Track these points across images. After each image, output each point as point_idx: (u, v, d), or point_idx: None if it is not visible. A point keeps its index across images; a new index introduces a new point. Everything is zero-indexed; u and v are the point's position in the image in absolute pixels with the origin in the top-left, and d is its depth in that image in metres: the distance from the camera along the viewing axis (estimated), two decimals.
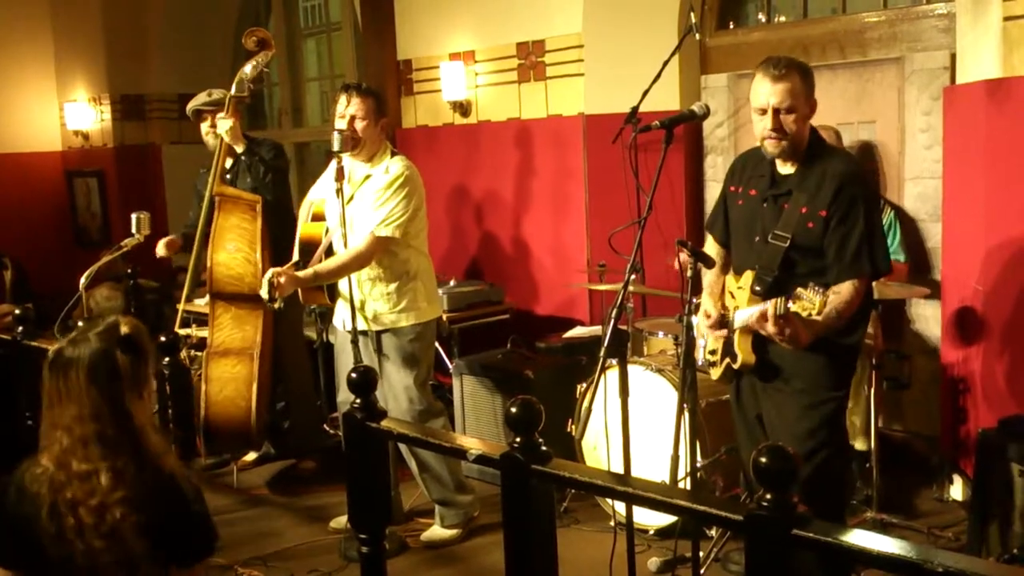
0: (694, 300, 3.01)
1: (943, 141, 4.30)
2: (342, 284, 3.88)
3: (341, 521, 4.10)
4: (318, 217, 4.02)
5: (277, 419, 5.02)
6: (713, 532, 3.69)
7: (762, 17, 5.19)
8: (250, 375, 4.16)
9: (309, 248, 3.95)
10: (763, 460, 1.61)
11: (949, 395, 4.19)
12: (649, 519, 3.84)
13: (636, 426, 3.06)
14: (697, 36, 4.73)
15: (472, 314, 5.24)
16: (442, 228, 5.92)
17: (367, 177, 3.85)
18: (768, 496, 1.61)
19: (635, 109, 4.62)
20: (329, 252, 3.90)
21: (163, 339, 3.08)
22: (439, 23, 5.87)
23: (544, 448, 1.97)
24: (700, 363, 3.36)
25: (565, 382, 4.34)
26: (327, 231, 3.93)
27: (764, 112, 2.93)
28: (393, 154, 3.90)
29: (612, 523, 3.85)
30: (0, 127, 8.37)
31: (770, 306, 2.79)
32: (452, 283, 5.33)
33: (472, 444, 2.18)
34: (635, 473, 2.96)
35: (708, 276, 3.26)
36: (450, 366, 4.89)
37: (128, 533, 2.07)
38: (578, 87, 5.27)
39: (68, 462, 2.10)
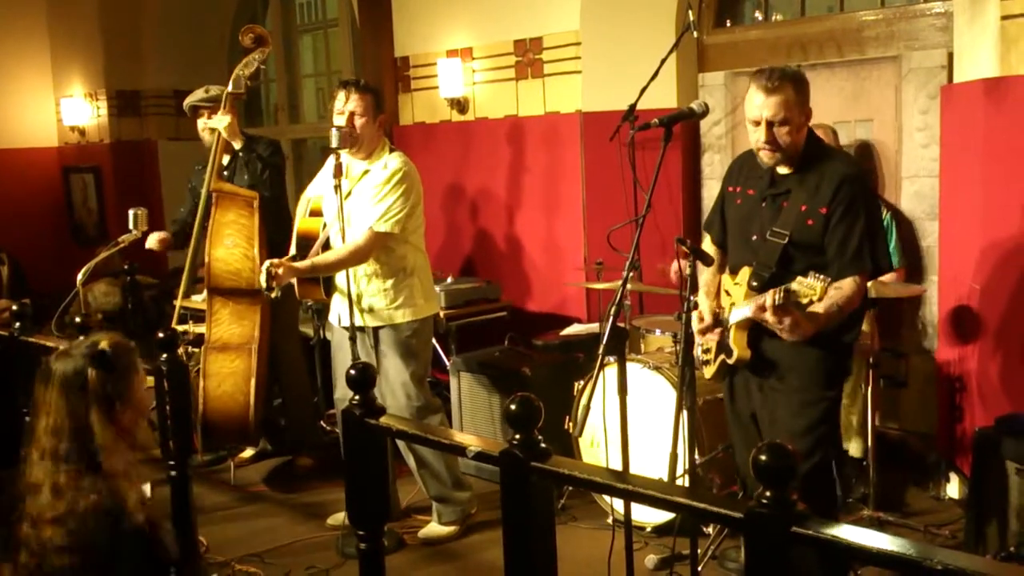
0: (693, 298, 3.02)
1: (940, 140, 4.30)
2: (339, 279, 3.88)
3: (338, 517, 4.11)
4: (316, 213, 4.02)
5: (274, 416, 5.02)
6: (710, 530, 3.70)
7: (759, 15, 5.19)
8: (248, 370, 4.16)
9: (306, 243, 3.95)
10: (763, 458, 1.61)
11: (945, 393, 4.20)
12: (646, 516, 3.85)
13: (633, 423, 3.06)
14: (695, 34, 4.73)
15: (469, 311, 5.24)
16: (439, 225, 5.92)
17: (365, 173, 3.85)
18: (768, 494, 1.61)
19: (632, 107, 4.62)
20: (326, 247, 3.90)
21: (161, 335, 3.07)
22: (437, 20, 5.86)
23: (543, 445, 1.97)
24: (698, 359, 3.37)
25: (562, 379, 4.35)
26: (324, 226, 3.94)
27: (758, 124, 2.94)
28: (391, 150, 3.90)
29: (610, 520, 3.86)
30: None
31: (769, 296, 2.79)
32: (449, 280, 5.33)
33: (471, 441, 2.18)
34: (632, 470, 2.96)
35: (704, 275, 3.27)
36: (447, 363, 4.90)
37: (53, 555, 2.05)
38: (575, 84, 5.27)
39: (30, 472, 2.10)
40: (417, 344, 3.94)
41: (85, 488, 2.06)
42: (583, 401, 2.80)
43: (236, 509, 4.52)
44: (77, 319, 3.39)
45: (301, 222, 4.03)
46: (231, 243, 4.17)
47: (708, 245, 3.38)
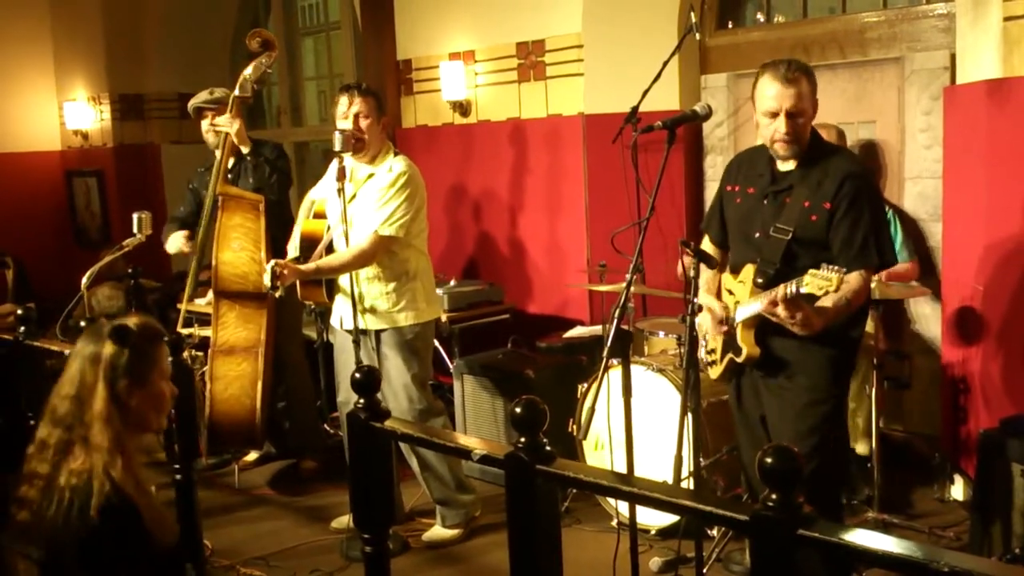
0: (696, 300, 3.02)
1: (943, 141, 4.30)
2: (342, 282, 3.89)
3: (343, 521, 4.11)
4: (320, 215, 4.03)
5: (278, 419, 5.02)
6: (714, 532, 3.70)
7: (761, 17, 5.19)
8: (255, 373, 4.17)
9: (310, 245, 3.96)
10: (769, 460, 1.61)
11: (949, 395, 4.20)
12: (650, 519, 3.84)
13: (637, 426, 3.06)
14: (697, 36, 4.73)
15: (472, 314, 5.24)
16: (442, 228, 5.93)
17: (370, 176, 3.85)
18: (774, 496, 1.62)
19: (635, 109, 4.62)
20: (330, 250, 3.90)
21: (166, 339, 3.08)
22: (439, 23, 5.87)
23: (548, 448, 1.98)
24: (702, 361, 3.37)
25: (566, 382, 4.35)
26: (328, 228, 3.94)
27: (774, 115, 2.94)
28: (395, 153, 3.91)
29: (614, 523, 3.87)
30: None
31: (780, 289, 2.79)
32: (452, 283, 5.34)
33: (476, 444, 2.18)
34: (636, 473, 2.96)
35: (704, 275, 3.27)
36: (451, 366, 4.90)
37: (23, 511, 2.07)
38: (578, 87, 5.27)
39: (37, 431, 2.14)
40: (419, 347, 3.94)
41: (69, 459, 2.07)
42: (587, 404, 2.80)
43: (241, 512, 4.52)
44: (82, 323, 3.40)
45: (305, 224, 4.04)
46: (238, 246, 4.18)
47: (707, 245, 3.39)
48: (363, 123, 3.80)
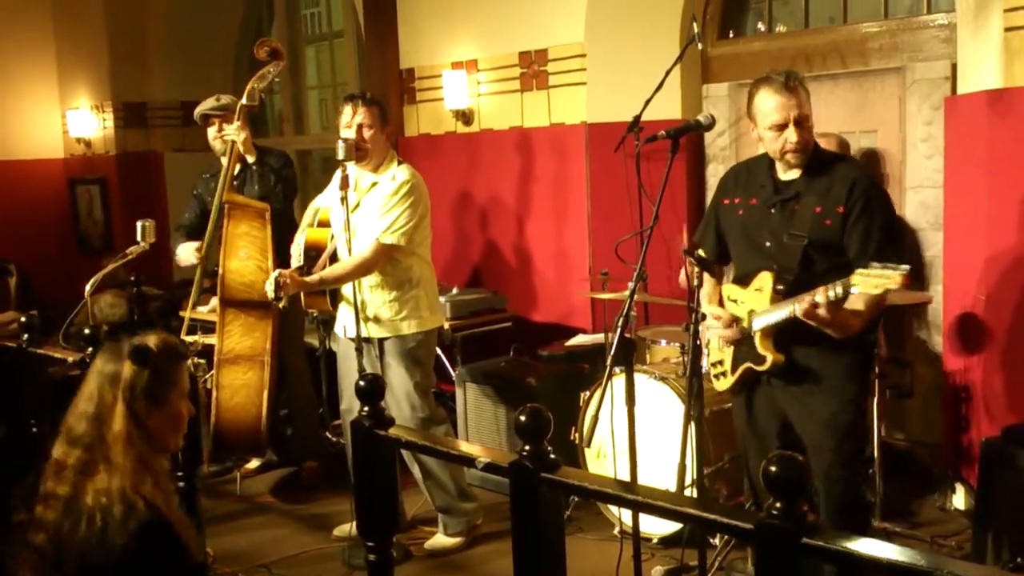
0: (700, 310, 3.02)
1: (944, 151, 4.32)
2: (345, 290, 3.90)
3: (345, 529, 4.11)
4: (324, 223, 4.04)
5: (279, 426, 5.03)
6: (716, 541, 3.70)
7: (762, 27, 5.21)
8: (260, 382, 4.17)
9: (314, 253, 3.97)
10: (773, 469, 1.62)
11: (951, 404, 4.20)
12: (653, 527, 3.84)
13: (639, 434, 3.06)
14: (699, 45, 4.75)
15: (475, 322, 5.25)
16: (445, 236, 5.94)
17: (373, 185, 3.87)
18: (778, 505, 1.62)
19: (637, 118, 4.63)
20: (334, 258, 3.92)
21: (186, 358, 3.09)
22: (442, 32, 5.89)
23: (553, 456, 1.99)
24: (704, 371, 3.37)
25: (568, 390, 4.35)
26: (332, 237, 3.96)
27: (782, 127, 2.96)
28: (399, 162, 3.93)
29: (616, 531, 3.87)
30: (3, 134, 8.38)
31: (820, 293, 2.76)
32: (455, 291, 5.34)
33: (480, 452, 2.19)
34: (639, 481, 2.97)
35: (704, 287, 3.26)
36: (453, 374, 4.90)
37: (40, 534, 2.05)
38: (580, 96, 5.29)
39: (52, 450, 2.13)
40: (422, 355, 3.95)
41: (91, 480, 2.06)
42: (590, 412, 2.80)
43: (243, 520, 4.53)
44: (86, 330, 3.41)
45: (309, 233, 4.05)
46: (245, 255, 4.19)
47: None
48: (367, 133, 3.82)
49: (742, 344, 3.13)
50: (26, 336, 3.76)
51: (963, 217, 4.09)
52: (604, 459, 4.04)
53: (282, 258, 4.27)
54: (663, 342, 4.35)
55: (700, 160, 5.31)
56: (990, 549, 3.35)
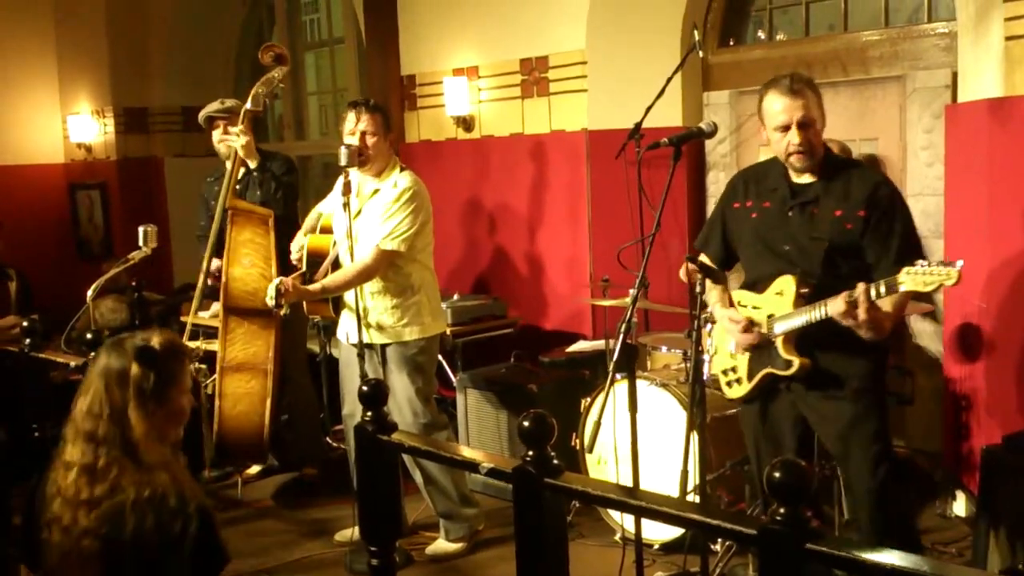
0: (704, 316, 3.02)
1: (945, 159, 4.33)
2: (347, 297, 3.91)
3: (346, 534, 4.11)
4: (326, 230, 4.05)
5: (280, 431, 5.03)
6: (718, 547, 3.70)
7: (763, 35, 5.23)
8: (264, 390, 4.18)
9: (316, 260, 3.98)
10: (776, 474, 1.63)
11: (951, 411, 4.21)
12: (654, 533, 3.85)
13: (640, 440, 3.07)
14: (700, 53, 4.76)
15: (476, 328, 5.25)
16: (445, 243, 5.93)
17: (376, 191, 3.88)
18: (781, 510, 1.63)
19: (638, 125, 4.65)
20: (336, 265, 3.93)
21: (188, 356, 3.10)
22: (443, 38, 5.91)
23: (556, 462, 1.99)
24: (706, 378, 3.36)
25: (569, 396, 4.36)
26: (334, 243, 3.97)
27: (786, 129, 2.95)
28: (402, 169, 3.94)
29: (618, 537, 3.87)
30: (3, 139, 8.38)
31: (860, 292, 2.74)
32: (456, 297, 5.35)
33: (482, 457, 2.20)
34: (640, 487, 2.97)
35: (713, 293, 3.23)
36: (454, 380, 4.91)
37: (84, 538, 2.06)
38: (581, 103, 5.30)
39: (64, 449, 2.14)
40: (424, 361, 3.96)
41: (127, 478, 2.08)
42: (592, 417, 2.80)
43: (244, 525, 4.52)
44: (88, 335, 3.41)
45: (312, 239, 4.05)
46: (248, 262, 4.19)
47: None
48: (370, 140, 3.83)
49: (760, 349, 3.08)
50: (28, 340, 3.77)
51: (964, 225, 4.10)
52: (604, 465, 4.04)
53: (282, 264, 4.27)
54: (664, 348, 4.36)
55: (701, 167, 5.32)
56: (991, 556, 3.36)
